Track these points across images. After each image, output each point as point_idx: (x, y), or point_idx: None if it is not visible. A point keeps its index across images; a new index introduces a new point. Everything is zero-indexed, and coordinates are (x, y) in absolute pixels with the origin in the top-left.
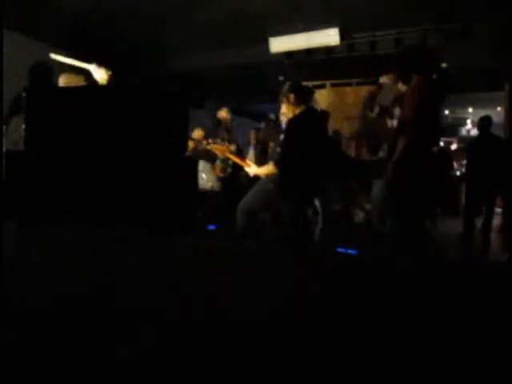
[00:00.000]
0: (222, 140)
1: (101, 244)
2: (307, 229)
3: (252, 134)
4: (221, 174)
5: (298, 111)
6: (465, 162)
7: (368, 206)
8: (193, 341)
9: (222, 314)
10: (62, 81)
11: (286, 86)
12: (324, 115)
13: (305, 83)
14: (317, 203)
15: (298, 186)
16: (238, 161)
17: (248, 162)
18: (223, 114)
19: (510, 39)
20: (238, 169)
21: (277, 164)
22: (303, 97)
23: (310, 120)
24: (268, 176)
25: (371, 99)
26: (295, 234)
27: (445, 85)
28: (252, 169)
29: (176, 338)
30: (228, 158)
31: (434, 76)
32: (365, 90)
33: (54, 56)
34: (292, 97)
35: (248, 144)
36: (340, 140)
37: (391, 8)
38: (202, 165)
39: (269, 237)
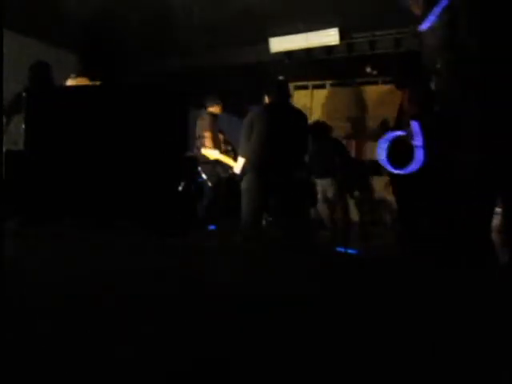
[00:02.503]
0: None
1: (101, 244)
2: (303, 228)
3: None
4: (222, 174)
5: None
6: None
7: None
8: (192, 341)
9: (222, 313)
10: (70, 83)
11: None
12: (299, 113)
13: (305, 83)
14: None
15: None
16: (228, 162)
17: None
18: (217, 110)
19: None
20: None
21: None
22: (267, 90)
23: (264, 113)
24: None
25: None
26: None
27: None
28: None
29: (176, 338)
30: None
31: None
32: (365, 90)
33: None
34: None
35: None
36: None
37: (391, 8)
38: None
39: (269, 236)
